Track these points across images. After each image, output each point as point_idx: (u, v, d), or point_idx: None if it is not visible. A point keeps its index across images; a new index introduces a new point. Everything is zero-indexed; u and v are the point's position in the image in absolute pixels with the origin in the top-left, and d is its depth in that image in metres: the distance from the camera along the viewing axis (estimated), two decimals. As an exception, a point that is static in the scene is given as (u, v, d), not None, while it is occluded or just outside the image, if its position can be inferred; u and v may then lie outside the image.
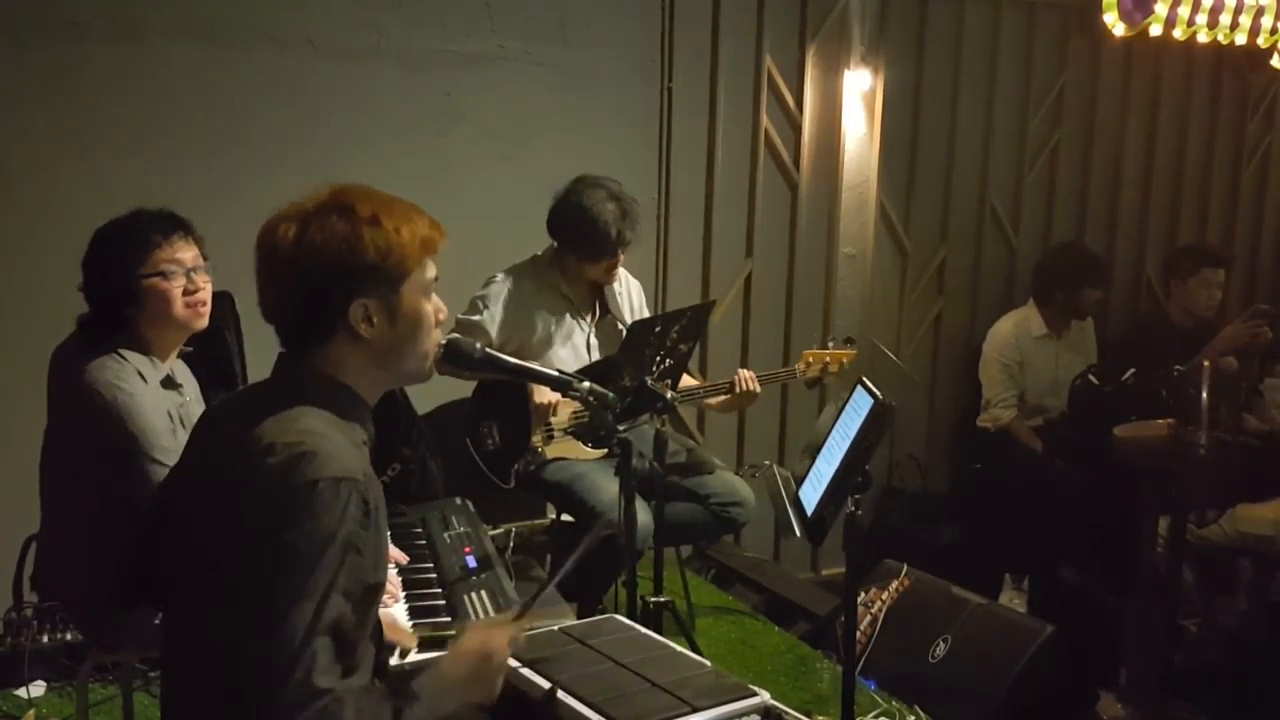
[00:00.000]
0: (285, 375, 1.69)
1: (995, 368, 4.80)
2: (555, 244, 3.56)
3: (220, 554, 1.56)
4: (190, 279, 2.41)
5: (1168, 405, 3.48)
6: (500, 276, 3.54)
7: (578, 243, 3.47)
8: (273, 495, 1.51)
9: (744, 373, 3.61)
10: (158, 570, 1.72)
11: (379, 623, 1.85)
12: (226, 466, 1.59)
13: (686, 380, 3.72)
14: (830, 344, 3.80)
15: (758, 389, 3.61)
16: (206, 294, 2.46)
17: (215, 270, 2.49)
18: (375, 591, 1.65)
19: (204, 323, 2.48)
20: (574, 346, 3.58)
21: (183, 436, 2.39)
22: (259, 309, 1.68)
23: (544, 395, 3.38)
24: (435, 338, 1.74)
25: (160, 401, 2.38)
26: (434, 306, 1.71)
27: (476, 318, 3.47)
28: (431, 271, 1.69)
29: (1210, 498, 3.44)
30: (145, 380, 2.37)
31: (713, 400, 3.70)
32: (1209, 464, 3.19)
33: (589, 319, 3.62)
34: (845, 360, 3.72)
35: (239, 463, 1.55)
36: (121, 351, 2.37)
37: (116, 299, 2.37)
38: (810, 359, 3.73)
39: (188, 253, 2.42)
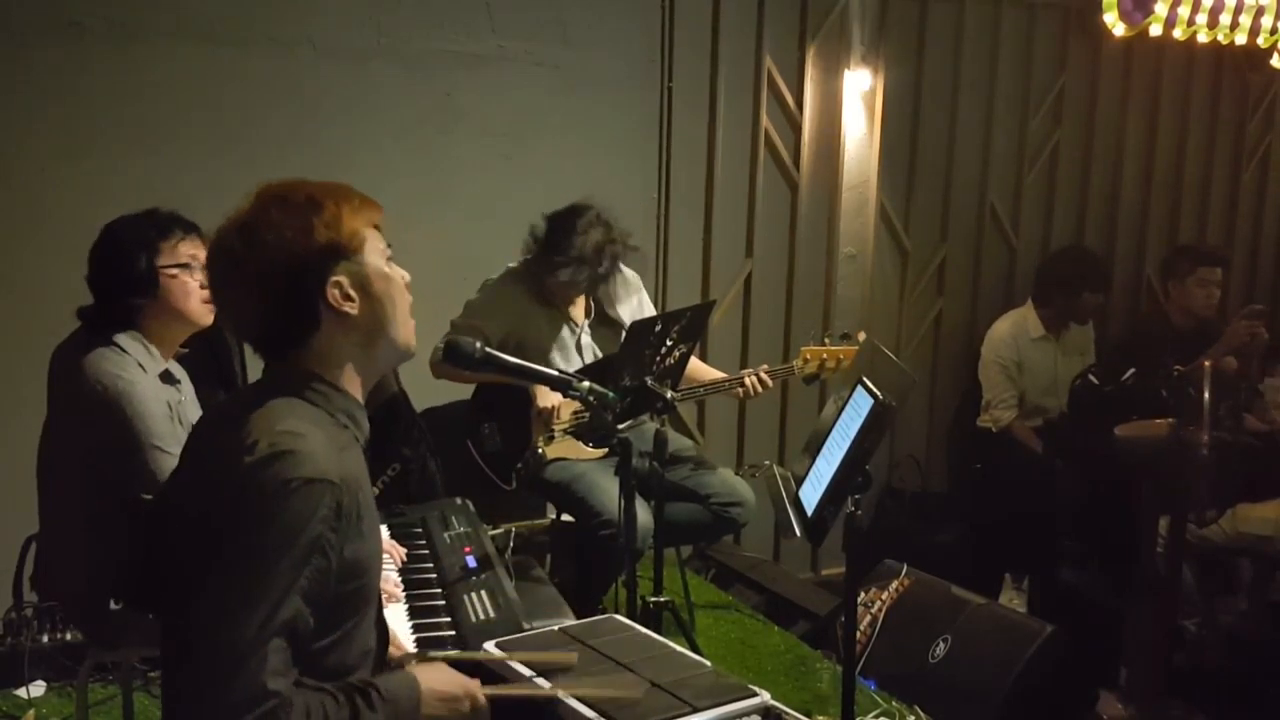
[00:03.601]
0: (279, 379, 1.68)
1: (994, 369, 4.81)
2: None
3: (200, 551, 1.56)
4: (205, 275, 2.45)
5: (1168, 405, 3.48)
6: (493, 281, 3.54)
7: (545, 253, 3.44)
8: (244, 492, 1.51)
9: (751, 379, 3.58)
10: (157, 571, 1.72)
11: (383, 621, 1.85)
12: (213, 465, 1.59)
13: (707, 374, 3.71)
14: (827, 340, 3.78)
15: (770, 383, 3.60)
16: None
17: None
18: (361, 595, 1.64)
19: (210, 319, 2.50)
20: (566, 350, 3.58)
21: (180, 430, 2.40)
22: (232, 327, 1.68)
23: (546, 400, 3.38)
24: (409, 301, 1.73)
25: (159, 392, 2.40)
26: (398, 273, 1.71)
27: (474, 322, 3.48)
28: (381, 240, 1.69)
29: (1211, 497, 3.44)
30: (145, 370, 2.39)
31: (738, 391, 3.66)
32: (1210, 464, 3.19)
33: (582, 321, 3.61)
34: (843, 357, 3.70)
35: (223, 460, 1.56)
36: (119, 343, 2.38)
37: (127, 289, 2.39)
38: (808, 355, 3.72)
39: (203, 251, 2.45)
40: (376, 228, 1.69)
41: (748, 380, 3.57)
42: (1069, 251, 5.11)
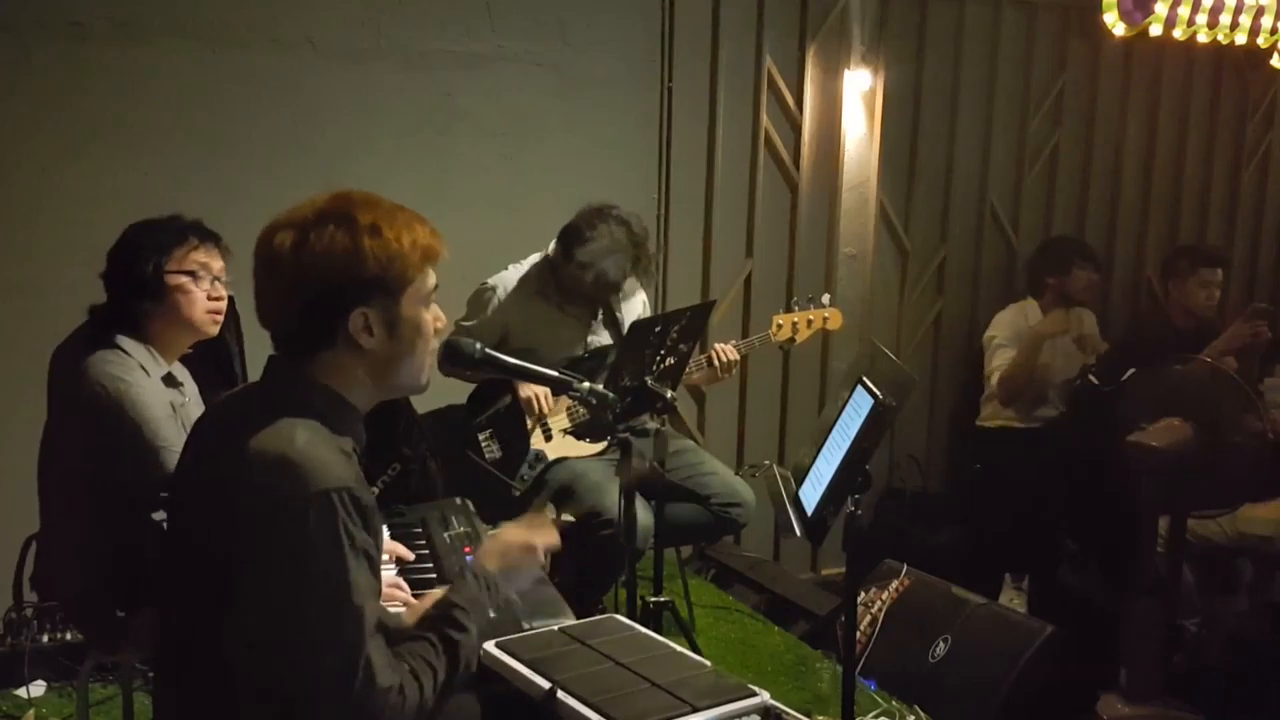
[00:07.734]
0: (278, 381, 1.68)
1: (1004, 345, 4.73)
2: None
3: (227, 560, 1.55)
4: (214, 285, 2.47)
5: (1168, 406, 3.48)
6: (496, 280, 3.53)
7: (571, 255, 3.43)
8: (273, 511, 1.51)
9: (719, 346, 3.60)
10: (160, 570, 1.72)
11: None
12: (224, 475, 1.58)
13: None
14: (795, 306, 3.81)
15: (737, 357, 3.61)
16: (223, 305, 2.51)
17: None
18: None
19: (215, 330, 2.52)
20: (571, 351, 3.57)
21: (184, 432, 2.40)
22: (255, 312, 1.67)
23: (526, 390, 3.40)
24: (433, 347, 1.73)
25: (162, 394, 2.41)
26: (432, 315, 1.70)
27: (469, 323, 3.48)
28: (432, 281, 1.68)
29: (1247, 490, 3.49)
30: (148, 374, 2.40)
31: (696, 375, 3.67)
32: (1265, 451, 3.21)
33: (590, 322, 3.61)
34: (813, 318, 3.74)
35: (235, 472, 1.55)
36: (122, 344, 2.38)
37: (137, 291, 2.40)
38: (780, 321, 3.74)
39: (216, 261, 2.48)
40: (433, 263, 1.68)
41: (713, 348, 3.58)
42: (1050, 239, 5.12)
